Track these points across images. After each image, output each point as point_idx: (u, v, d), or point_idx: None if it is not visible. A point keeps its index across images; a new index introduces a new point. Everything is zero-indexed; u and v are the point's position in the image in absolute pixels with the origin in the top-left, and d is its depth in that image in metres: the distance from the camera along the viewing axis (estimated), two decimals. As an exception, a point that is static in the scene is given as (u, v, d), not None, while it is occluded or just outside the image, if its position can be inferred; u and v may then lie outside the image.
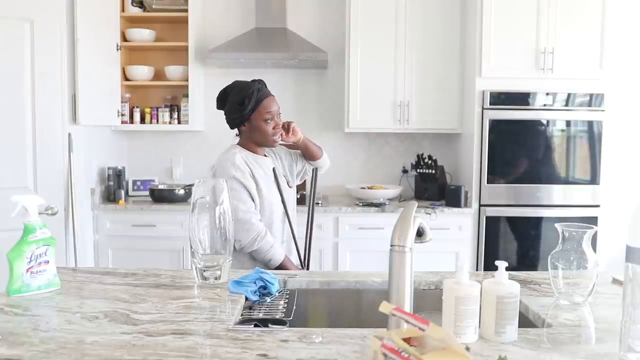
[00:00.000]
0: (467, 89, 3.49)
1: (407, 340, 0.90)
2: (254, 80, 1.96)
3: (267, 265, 1.88)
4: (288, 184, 2.07)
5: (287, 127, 2.02)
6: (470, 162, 3.41)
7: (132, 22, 3.73)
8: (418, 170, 3.72)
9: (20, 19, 2.74)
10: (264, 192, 1.93)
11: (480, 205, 3.36)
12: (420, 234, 1.16)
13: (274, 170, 2.02)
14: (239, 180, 1.87)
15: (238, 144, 2.02)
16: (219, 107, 2.01)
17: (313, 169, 2.21)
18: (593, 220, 3.23)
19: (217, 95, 2.00)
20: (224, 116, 2.00)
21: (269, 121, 1.93)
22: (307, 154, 2.16)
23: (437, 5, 3.53)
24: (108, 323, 1.16)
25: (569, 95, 3.30)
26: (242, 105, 1.90)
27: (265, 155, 2.05)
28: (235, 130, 2.03)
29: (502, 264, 1.09)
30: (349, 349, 1.03)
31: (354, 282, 1.55)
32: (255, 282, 1.41)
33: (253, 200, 1.90)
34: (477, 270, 3.37)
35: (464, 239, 3.38)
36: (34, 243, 1.36)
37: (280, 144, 2.10)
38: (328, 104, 3.88)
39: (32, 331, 1.11)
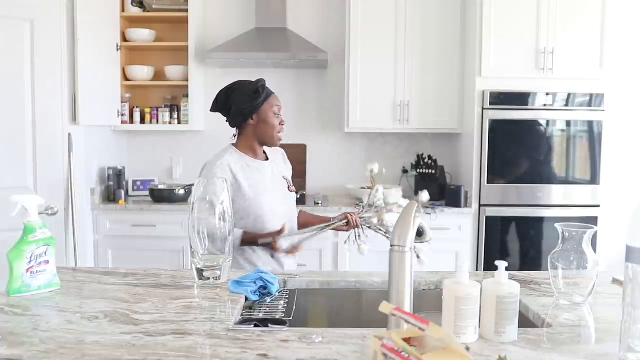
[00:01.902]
0: (467, 89, 3.49)
1: (407, 340, 0.90)
2: (259, 79, 1.96)
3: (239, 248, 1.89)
4: (289, 188, 2.06)
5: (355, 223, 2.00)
6: (470, 162, 3.41)
7: (132, 22, 3.74)
8: (418, 170, 3.72)
9: (20, 19, 2.74)
10: (249, 196, 1.90)
11: (480, 205, 3.36)
12: (420, 233, 1.16)
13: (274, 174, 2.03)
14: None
15: (234, 144, 2.00)
16: (218, 107, 1.97)
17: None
18: (593, 220, 3.23)
19: (215, 97, 1.98)
20: (227, 113, 1.97)
21: (277, 115, 1.95)
22: (308, 223, 2.10)
23: (437, 5, 3.53)
24: (108, 323, 1.16)
25: (569, 95, 3.30)
26: (256, 93, 1.91)
27: (267, 158, 2.04)
28: (233, 131, 2.02)
29: (502, 264, 1.09)
30: (349, 349, 1.03)
31: (354, 282, 1.55)
32: (255, 282, 1.41)
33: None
34: (477, 270, 3.37)
35: (464, 239, 3.38)
36: (34, 243, 1.36)
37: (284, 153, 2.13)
38: (328, 104, 3.89)
39: (32, 331, 1.11)
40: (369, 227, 1.94)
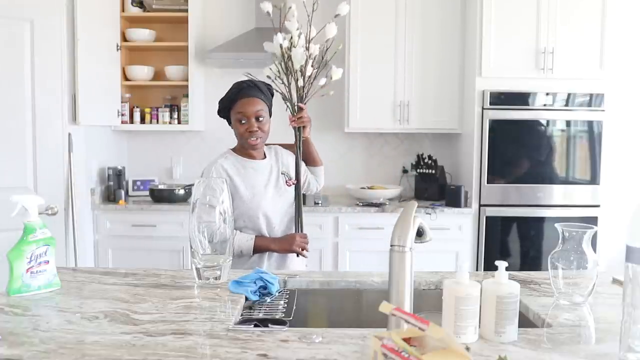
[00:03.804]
0: (467, 89, 3.49)
1: (407, 340, 0.90)
2: (241, 81, 1.95)
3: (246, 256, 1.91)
4: (287, 182, 2.03)
5: (298, 112, 1.91)
6: (470, 162, 3.41)
7: (132, 22, 3.73)
8: (418, 170, 3.72)
9: (20, 19, 2.74)
10: (247, 197, 1.91)
11: (480, 205, 3.36)
12: (420, 234, 1.16)
13: (280, 171, 2.03)
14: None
15: (233, 147, 2.03)
16: None
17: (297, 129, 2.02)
18: (593, 220, 3.23)
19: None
20: None
21: (242, 122, 1.91)
22: (307, 156, 2.10)
23: (437, 5, 3.53)
24: (108, 323, 1.16)
25: (569, 95, 3.30)
26: (219, 103, 1.96)
27: (265, 157, 2.04)
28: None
29: (502, 264, 1.09)
30: (349, 349, 1.03)
31: (354, 282, 1.55)
32: (255, 282, 1.41)
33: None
34: (477, 270, 3.37)
35: (464, 239, 3.38)
36: (34, 243, 1.36)
37: (286, 149, 2.12)
38: (328, 104, 3.88)
39: (32, 331, 1.11)
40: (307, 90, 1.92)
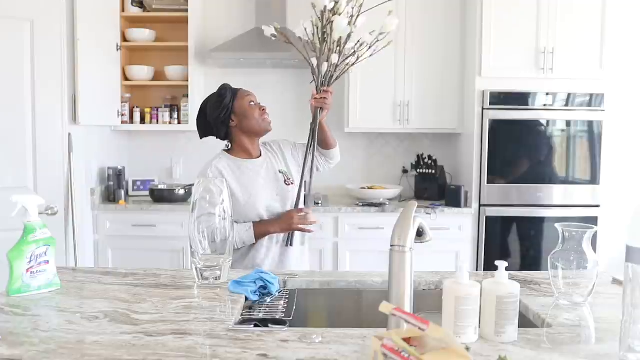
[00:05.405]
0: (467, 89, 3.49)
1: (407, 340, 0.90)
2: (224, 84, 1.98)
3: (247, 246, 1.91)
4: (286, 182, 2.00)
5: (323, 92, 1.87)
6: (470, 162, 3.41)
7: (132, 22, 3.73)
8: (418, 170, 3.72)
9: (20, 19, 2.74)
10: (243, 199, 1.91)
11: (480, 205, 3.36)
12: (420, 234, 1.16)
13: (279, 169, 2.01)
14: None
15: (227, 151, 2.01)
16: (204, 132, 2.01)
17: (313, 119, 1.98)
18: (593, 220, 3.23)
19: (196, 125, 2.01)
20: (212, 131, 1.99)
21: (253, 104, 1.93)
22: (322, 137, 2.03)
23: (438, 5, 3.53)
24: (108, 323, 1.16)
25: (569, 95, 3.30)
26: (221, 96, 1.92)
27: (260, 155, 2.03)
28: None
29: (502, 264, 1.09)
30: (349, 349, 1.03)
31: (354, 282, 1.55)
32: (255, 282, 1.41)
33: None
34: (477, 270, 3.37)
35: (464, 239, 3.38)
36: (34, 243, 1.36)
37: (287, 140, 2.10)
38: (328, 104, 3.88)
39: (32, 331, 1.11)
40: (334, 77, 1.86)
